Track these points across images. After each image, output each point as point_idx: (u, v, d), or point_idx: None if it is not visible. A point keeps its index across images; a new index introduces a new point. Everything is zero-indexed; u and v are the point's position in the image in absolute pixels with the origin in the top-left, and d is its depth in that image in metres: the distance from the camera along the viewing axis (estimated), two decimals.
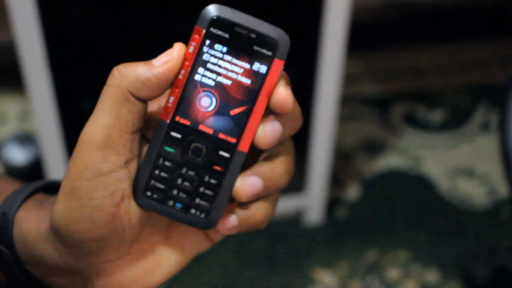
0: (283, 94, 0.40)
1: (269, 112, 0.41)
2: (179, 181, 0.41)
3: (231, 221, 0.42)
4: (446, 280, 1.45)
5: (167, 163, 0.41)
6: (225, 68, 0.40)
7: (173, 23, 1.14)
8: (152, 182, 0.41)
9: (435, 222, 1.56)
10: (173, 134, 0.41)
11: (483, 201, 1.61)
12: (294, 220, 1.55)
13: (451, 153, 1.71)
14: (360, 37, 1.65)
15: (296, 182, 1.48)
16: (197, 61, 0.40)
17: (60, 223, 0.40)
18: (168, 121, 0.41)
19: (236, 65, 0.40)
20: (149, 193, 0.41)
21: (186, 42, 0.41)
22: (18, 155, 1.49)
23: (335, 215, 1.57)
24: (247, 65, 0.40)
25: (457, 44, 1.98)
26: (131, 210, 0.41)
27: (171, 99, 0.41)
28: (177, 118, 0.41)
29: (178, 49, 0.40)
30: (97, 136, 0.39)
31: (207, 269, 1.47)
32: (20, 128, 1.68)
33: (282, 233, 1.53)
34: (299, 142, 1.44)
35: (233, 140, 0.41)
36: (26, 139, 1.52)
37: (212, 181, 0.41)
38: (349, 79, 1.78)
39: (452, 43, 1.98)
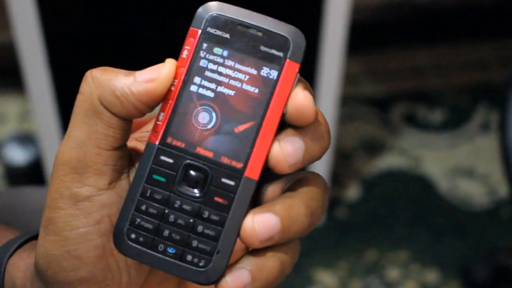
0: (301, 98, 0.32)
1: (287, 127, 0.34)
2: (171, 218, 0.33)
3: (242, 276, 0.32)
4: (446, 280, 1.45)
5: (156, 196, 0.33)
6: (226, 75, 0.33)
7: (173, 23, 1.14)
8: (137, 221, 0.33)
9: (435, 222, 1.56)
10: (163, 158, 0.33)
11: (483, 201, 1.61)
12: None
13: (451, 153, 1.71)
14: (360, 37, 1.65)
15: None
16: (193, 68, 0.33)
17: (42, 262, 0.33)
18: (157, 143, 0.33)
19: (240, 71, 0.33)
20: (133, 236, 0.33)
21: None
22: (18, 155, 1.49)
23: (335, 215, 1.57)
24: (253, 71, 0.33)
25: (457, 44, 1.97)
26: None
27: (161, 116, 0.33)
28: (169, 140, 0.33)
29: (168, 67, 0.33)
30: (70, 155, 0.32)
31: None
32: (20, 128, 1.68)
33: None
34: None
35: (239, 165, 0.33)
36: (26, 139, 1.52)
37: (214, 217, 0.33)
38: (349, 79, 1.78)
39: (452, 43, 1.98)
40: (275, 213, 0.32)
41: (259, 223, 0.32)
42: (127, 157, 0.34)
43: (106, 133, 0.33)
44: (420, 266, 1.48)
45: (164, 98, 0.33)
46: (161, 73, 0.32)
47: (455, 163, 1.69)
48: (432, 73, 1.92)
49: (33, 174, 1.48)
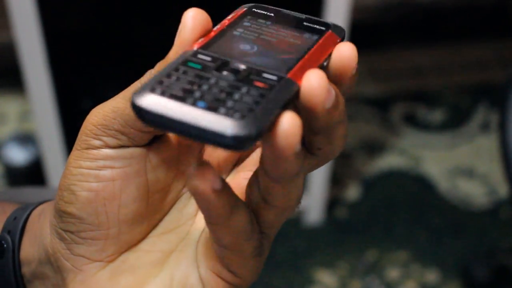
0: (345, 48, 0.33)
1: None
2: (205, 86, 0.29)
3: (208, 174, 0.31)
4: (446, 280, 1.45)
5: (190, 72, 0.30)
6: (268, 32, 0.33)
7: (174, 23, 1.14)
8: (166, 81, 0.29)
9: (435, 222, 1.56)
10: (202, 56, 0.31)
11: (483, 201, 1.61)
12: (294, 220, 1.55)
13: (451, 153, 1.71)
14: (360, 37, 1.65)
15: None
16: (236, 23, 0.33)
17: (57, 190, 0.37)
18: (195, 47, 0.32)
19: (281, 32, 0.33)
20: (159, 89, 0.29)
21: None
22: (18, 155, 1.49)
23: (335, 215, 1.57)
24: (295, 33, 0.33)
25: (457, 44, 1.98)
26: (123, 199, 0.36)
27: (200, 39, 0.32)
28: (209, 50, 0.31)
29: (192, 14, 0.33)
30: (103, 113, 0.35)
31: None
32: (20, 128, 1.68)
33: (282, 233, 1.53)
34: None
35: (282, 72, 0.31)
36: (26, 139, 1.52)
37: (254, 91, 0.29)
38: None
39: (452, 43, 1.98)
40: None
41: (294, 122, 0.29)
42: (148, 147, 0.37)
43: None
44: (420, 266, 1.48)
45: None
46: (185, 23, 0.34)
47: (455, 163, 1.69)
48: (432, 73, 1.92)
49: (33, 174, 1.48)
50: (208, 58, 0.31)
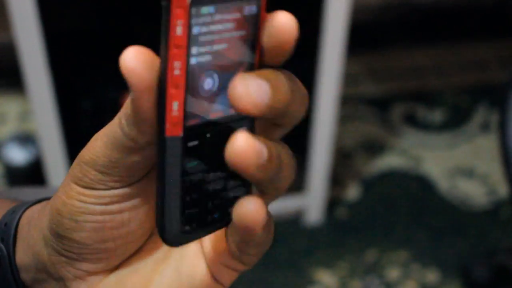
0: (282, 16, 0.31)
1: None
2: (211, 188, 0.34)
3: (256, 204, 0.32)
4: (446, 280, 1.45)
5: (194, 180, 0.33)
6: (218, 31, 0.32)
7: None
8: (187, 212, 0.33)
9: (435, 222, 1.56)
10: (191, 144, 0.32)
11: (483, 201, 1.61)
12: (294, 220, 1.55)
13: (451, 153, 1.71)
14: (360, 37, 1.65)
15: (296, 182, 1.48)
16: (189, 41, 0.31)
17: (53, 205, 0.36)
18: (181, 134, 0.32)
19: (228, 21, 0.32)
20: (187, 228, 0.33)
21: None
22: (18, 155, 1.49)
23: (335, 215, 1.57)
24: (238, 15, 0.32)
25: (457, 44, 1.98)
26: (131, 226, 0.36)
27: (175, 105, 0.31)
28: (188, 124, 0.32)
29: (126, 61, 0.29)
30: (91, 151, 0.34)
31: None
32: (20, 128, 1.68)
33: (282, 233, 1.53)
34: (299, 142, 1.45)
35: None
36: (26, 139, 1.52)
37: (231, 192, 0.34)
38: (349, 79, 1.78)
39: (452, 43, 1.98)
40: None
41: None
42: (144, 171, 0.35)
43: (125, 162, 0.33)
44: (420, 266, 1.48)
45: (168, 82, 0.31)
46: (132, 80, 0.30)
47: (455, 163, 1.69)
48: (432, 73, 1.92)
49: (33, 174, 1.48)
50: (195, 143, 0.32)
